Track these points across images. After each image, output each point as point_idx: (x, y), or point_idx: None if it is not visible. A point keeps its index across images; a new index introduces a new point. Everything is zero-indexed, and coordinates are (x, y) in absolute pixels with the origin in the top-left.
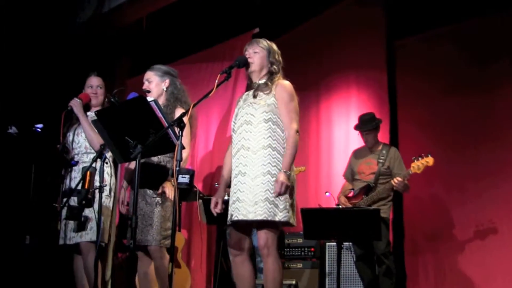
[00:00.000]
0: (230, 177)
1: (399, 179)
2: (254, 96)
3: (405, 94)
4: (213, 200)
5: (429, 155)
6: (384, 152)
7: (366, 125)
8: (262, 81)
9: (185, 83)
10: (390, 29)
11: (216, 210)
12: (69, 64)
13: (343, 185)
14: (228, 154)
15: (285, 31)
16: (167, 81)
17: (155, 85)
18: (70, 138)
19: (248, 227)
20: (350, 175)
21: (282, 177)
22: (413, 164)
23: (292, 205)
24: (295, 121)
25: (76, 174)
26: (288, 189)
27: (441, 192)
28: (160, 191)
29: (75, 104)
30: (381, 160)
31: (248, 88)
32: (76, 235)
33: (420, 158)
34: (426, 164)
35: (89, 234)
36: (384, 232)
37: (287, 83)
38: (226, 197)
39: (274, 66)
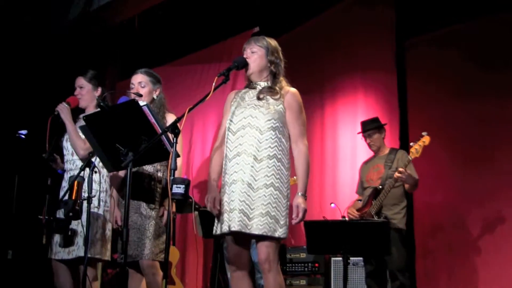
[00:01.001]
0: (219, 179)
1: (400, 169)
2: (259, 98)
3: (415, 98)
4: (210, 197)
5: (424, 134)
6: (391, 156)
7: (368, 125)
8: (265, 83)
9: (180, 86)
10: (399, 28)
11: (217, 207)
12: (56, 66)
13: (354, 200)
14: (218, 153)
15: (287, 30)
16: (158, 90)
17: (148, 92)
18: (64, 144)
19: (247, 239)
20: (361, 188)
21: (301, 201)
22: (411, 150)
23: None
24: (305, 135)
25: (65, 184)
26: (304, 214)
27: (454, 200)
28: (161, 213)
29: (62, 109)
30: (388, 164)
31: (246, 86)
32: (63, 251)
33: (416, 141)
34: (423, 144)
35: (76, 251)
36: (398, 245)
37: (296, 91)
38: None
39: (274, 65)
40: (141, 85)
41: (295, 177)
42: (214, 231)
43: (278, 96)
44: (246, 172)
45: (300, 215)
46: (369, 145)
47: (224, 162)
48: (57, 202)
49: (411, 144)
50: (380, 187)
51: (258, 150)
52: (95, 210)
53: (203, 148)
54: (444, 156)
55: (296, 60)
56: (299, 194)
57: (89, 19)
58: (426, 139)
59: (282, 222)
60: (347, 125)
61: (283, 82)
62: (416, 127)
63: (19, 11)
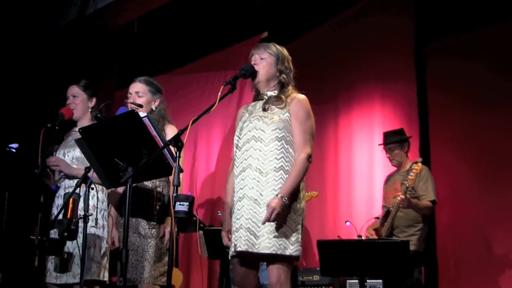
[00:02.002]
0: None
1: (401, 196)
2: (264, 109)
3: (436, 108)
4: (224, 235)
5: (418, 161)
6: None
7: (389, 138)
8: (272, 92)
9: (183, 96)
10: (419, 33)
11: (228, 239)
12: (48, 74)
13: (375, 220)
14: (231, 178)
15: (298, 35)
16: (158, 100)
17: (146, 101)
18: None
19: (255, 260)
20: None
21: (274, 202)
22: (409, 177)
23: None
24: (309, 144)
25: (60, 201)
26: (278, 218)
27: (479, 218)
28: (162, 233)
29: (58, 163)
30: (405, 182)
31: (254, 99)
32: (66, 275)
33: (412, 167)
34: (416, 172)
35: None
36: (414, 269)
37: (303, 97)
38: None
39: (284, 75)
40: (138, 94)
41: (312, 192)
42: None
43: (283, 104)
44: (252, 188)
45: (267, 213)
46: (390, 159)
47: (233, 181)
48: (51, 221)
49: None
50: (391, 208)
51: (263, 163)
52: (92, 229)
53: (207, 163)
54: (467, 171)
55: (307, 69)
56: (278, 196)
57: (85, 23)
58: (417, 167)
59: (293, 239)
60: (363, 137)
61: (291, 90)
62: (437, 140)
63: (8, 15)
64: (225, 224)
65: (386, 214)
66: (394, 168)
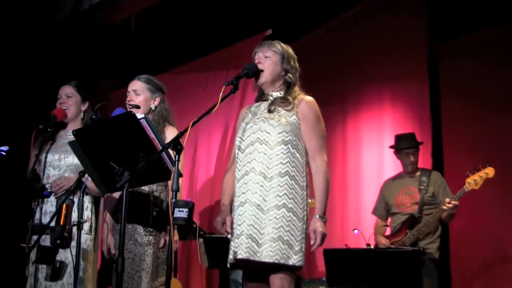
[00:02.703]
0: (232, 197)
1: (454, 202)
2: (270, 111)
3: (450, 111)
4: (220, 218)
5: (488, 165)
6: (424, 178)
7: (409, 141)
8: (278, 93)
9: (183, 97)
10: (431, 31)
11: (227, 229)
12: (40, 74)
13: (374, 224)
14: (229, 176)
15: (303, 33)
16: (158, 99)
17: (144, 100)
18: (42, 162)
19: (263, 272)
20: (384, 210)
21: (320, 226)
22: (468, 180)
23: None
24: (324, 149)
25: (50, 207)
26: (324, 239)
27: (493, 229)
28: (161, 243)
29: (61, 185)
30: (423, 187)
31: (257, 99)
32: (54, 285)
33: (476, 172)
34: (485, 176)
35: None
36: (433, 277)
37: (312, 99)
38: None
39: (289, 75)
40: (136, 92)
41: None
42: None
43: (291, 107)
44: (255, 193)
45: (318, 240)
46: (410, 164)
47: (234, 184)
48: (43, 228)
49: (467, 173)
50: (418, 215)
51: (267, 167)
52: (87, 237)
53: (208, 167)
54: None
55: (313, 69)
56: (317, 216)
57: (79, 20)
58: (489, 171)
59: (296, 248)
60: (372, 141)
61: (298, 91)
62: (450, 144)
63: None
64: (222, 210)
65: (410, 221)
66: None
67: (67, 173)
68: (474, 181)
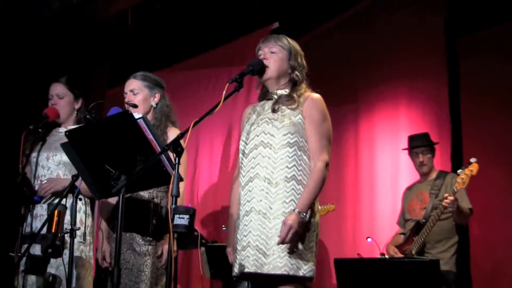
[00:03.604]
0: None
1: (446, 195)
2: (274, 111)
3: (471, 111)
4: (230, 251)
5: (473, 161)
6: (439, 181)
7: (419, 140)
8: (283, 91)
9: (183, 95)
10: (450, 27)
11: (234, 257)
12: (31, 71)
13: (395, 233)
14: (236, 185)
15: (313, 27)
16: (157, 95)
17: (143, 99)
18: (34, 161)
19: (271, 283)
20: (403, 219)
21: (291, 219)
22: (457, 179)
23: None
24: (326, 150)
25: (40, 211)
26: (296, 237)
27: None
28: (159, 251)
29: (50, 186)
30: (434, 191)
31: (261, 98)
32: None
33: (464, 168)
34: (471, 173)
35: None
36: None
37: (318, 96)
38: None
39: (297, 72)
40: (133, 92)
41: (328, 205)
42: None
43: (295, 105)
44: (260, 200)
45: (283, 233)
46: (420, 165)
47: (239, 192)
48: (33, 236)
49: (459, 171)
50: (424, 220)
51: (272, 172)
52: (80, 246)
53: (210, 171)
54: (504, 180)
55: (323, 66)
56: (295, 211)
57: (71, 13)
58: (473, 168)
59: (307, 258)
60: (387, 143)
61: (304, 88)
62: (471, 146)
63: None
64: (230, 239)
65: (416, 227)
66: (416, 180)
67: (56, 172)
68: (461, 179)
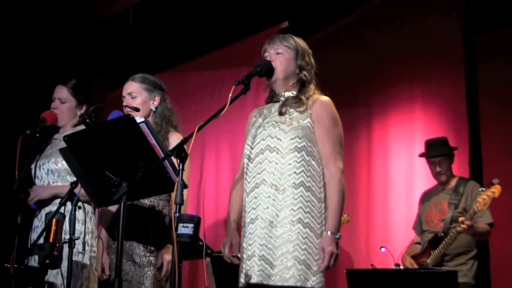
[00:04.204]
0: (240, 214)
1: (467, 222)
2: (281, 113)
3: (490, 116)
4: (226, 239)
5: (495, 182)
6: (459, 189)
7: (437, 148)
8: (290, 93)
9: (187, 98)
10: (468, 27)
11: (231, 254)
12: (28, 73)
13: (411, 241)
14: (237, 189)
15: (323, 26)
16: (157, 98)
17: (142, 102)
18: (33, 173)
19: None
20: (420, 226)
21: (329, 244)
22: (478, 199)
23: None
24: (340, 156)
25: (38, 223)
26: (337, 260)
27: None
28: (159, 262)
29: (37, 192)
30: (453, 201)
31: (268, 100)
32: None
33: (486, 188)
34: (492, 195)
35: None
36: None
37: (327, 99)
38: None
39: (305, 72)
40: (131, 95)
41: (344, 216)
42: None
43: (304, 108)
44: (266, 208)
45: (326, 261)
46: (437, 175)
47: (243, 198)
48: (30, 246)
49: (480, 190)
50: (442, 234)
51: (279, 178)
52: (79, 256)
53: (217, 177)
54: None
55: (334, 67)
56: (328, 233)
57: (69, 12)
58: (496, 190)
59: (315, 269)
60: (401, 149)
61: (313, 90)
62: (490, 153)
63: None
64: (228, 232)
65: (434, 240)
66: (434, 184)
67: (47, 181)
68: (483, 200)
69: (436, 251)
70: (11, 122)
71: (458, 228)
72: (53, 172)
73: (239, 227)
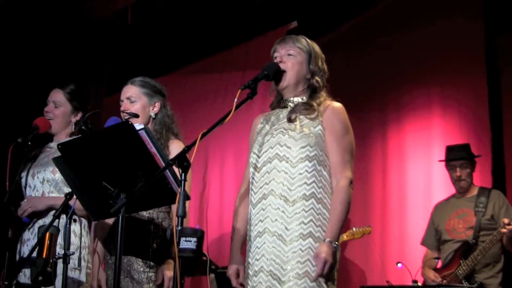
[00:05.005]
0: (246, 234)
1: (506, 221)
2: (290, 120)
3: None
4: (232, 268)
5: None
6: (483, 198)
7: (459, 152)
8: (300, 98)
9: (190, 103)
10: (489, 23)
11: (238, 281)
12: (20, 76)
13: (423, 257)
14: (244, 201)
15: (335, 26)
16: (158, 104)
17: (141, 107)
18: (23, 182)
19: None
20: (434, 239)
21: (325, 251)
22: None
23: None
24: (349, 166)
25: (30, 235)
26: (332, 269)
27: None
28: (159, 280)
29: (31, 204)
30: (480, 209)
31: (274, 106)
32: None
33: None
34: None
35: None
36: None
37: (339, 106)
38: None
39: (317, 78)
40: (130, 100)
41: (365, 227)
42: None
43: (315, 114)
44: (275, 220)
45: (319, 269)
46: (457, 180)
47: (249, 210)
48: (19, 260)
49: None
50: (474, 241)
51: (289, 189)
52: (75, 273)
53: (221, 187)
54: None
55: (345, 70)
56: (326, 240)
57: (65, 11)
58: None
59: (326, 286)
60: (419, 158)
61: (324, 96)
62: None
63: None
64: (233, 257)
65: (464, 248)
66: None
67: (41, 191)
68: None
69: (469, 260)
70: (1, 130)
71: (502, 229)
72: (49, 182)
73: (245, 245)
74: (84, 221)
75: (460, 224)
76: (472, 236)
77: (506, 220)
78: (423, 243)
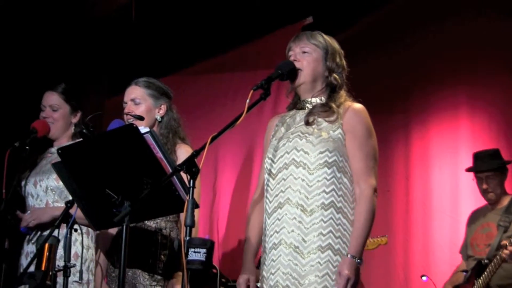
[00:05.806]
0: (259, 242)
1: (510, 247)
2: (308, 123)
3: None
4: (242, 277)
5: None
6: (510, 210)
7: (485, 162)
8: (318, 99)
9: (198, 104)
10: None
11: None
12: (17, 77)
13: (456, 267)
14: (257, 209)
15: (354, 21)
16: (163, 106)
17: (146, 110)
18: (25, 191)
19: None
20: (466, 250)
21: (347, 268)
22: None
23: None
24: (372, 172)
25: (30, 248)
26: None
27: None
28: None
29: (35, 217)
30: (503, 223)
31: (290, 107)
32: None
33: None
34: None
35: None
36: None
37: (361, 107)
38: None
39: (335, 75)
40: (135, 102)
41: (380, 238)
42: None
43: (335, 117)
44: (291, 231)
45: (341, 286)
46: (484, 192)
47: (264, 220)
48: (19, 275)
49: None
50: (486, 261)
51: (307, 198)
52: (76, 286)
53: (232, 195)
54: None
55: (366, 68)
56: (348, 256)
57: (65, 8)
58: None
59: None
60: (444, 163)
61: (344, 97)
62: None
63: None
64: (244, 265)
65: (477, 268)
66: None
67: (45, 200)
68: None
69: (480, 281)
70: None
71: (502, 253)
72: (53, 190)
73: (259, 256)
74: (92, 232)
75: (482, 240)
76: (487, 255)
77: (504, 242)
78: (461, 251)
